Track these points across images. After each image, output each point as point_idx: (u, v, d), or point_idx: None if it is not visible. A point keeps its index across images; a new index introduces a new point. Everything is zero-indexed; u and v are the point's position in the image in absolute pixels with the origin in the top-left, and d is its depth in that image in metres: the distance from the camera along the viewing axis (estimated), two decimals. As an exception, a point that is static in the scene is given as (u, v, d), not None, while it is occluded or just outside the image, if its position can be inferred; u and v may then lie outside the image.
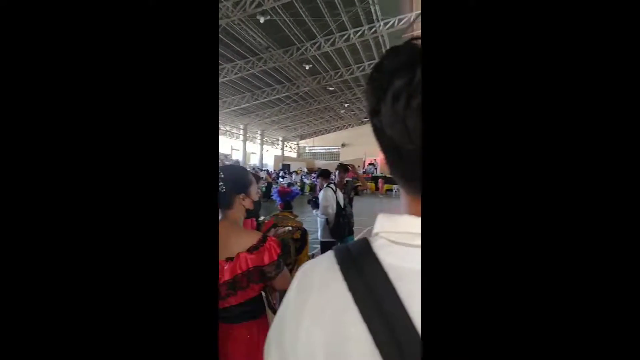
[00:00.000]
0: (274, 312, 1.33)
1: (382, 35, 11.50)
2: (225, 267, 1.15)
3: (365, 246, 0.38)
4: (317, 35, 11.41)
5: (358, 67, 14.70)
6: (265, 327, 1.23)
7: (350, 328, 0.33)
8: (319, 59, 13.81)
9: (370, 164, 20.59)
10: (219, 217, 1.27)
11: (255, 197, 1.31)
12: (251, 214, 1.33)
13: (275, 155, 25.30)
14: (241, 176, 1.30)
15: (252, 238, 1.20)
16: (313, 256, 2.69)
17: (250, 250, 1.17)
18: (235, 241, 1.19)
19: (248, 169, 1.62)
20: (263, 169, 19.80)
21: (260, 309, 1.26)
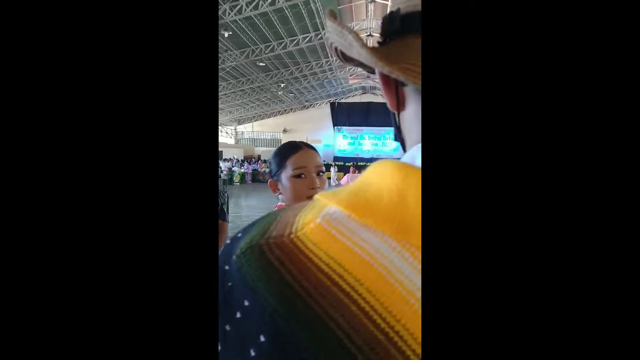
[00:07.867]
0: None
1: (315, 1, 11.20)
2: None
3: None
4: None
5: (292, 41, 14.09)
6: None
7: None
8: (244, 27, 12.33)
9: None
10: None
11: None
12: None
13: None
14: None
15: None
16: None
17: None
18: None
19: None
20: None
21: None
